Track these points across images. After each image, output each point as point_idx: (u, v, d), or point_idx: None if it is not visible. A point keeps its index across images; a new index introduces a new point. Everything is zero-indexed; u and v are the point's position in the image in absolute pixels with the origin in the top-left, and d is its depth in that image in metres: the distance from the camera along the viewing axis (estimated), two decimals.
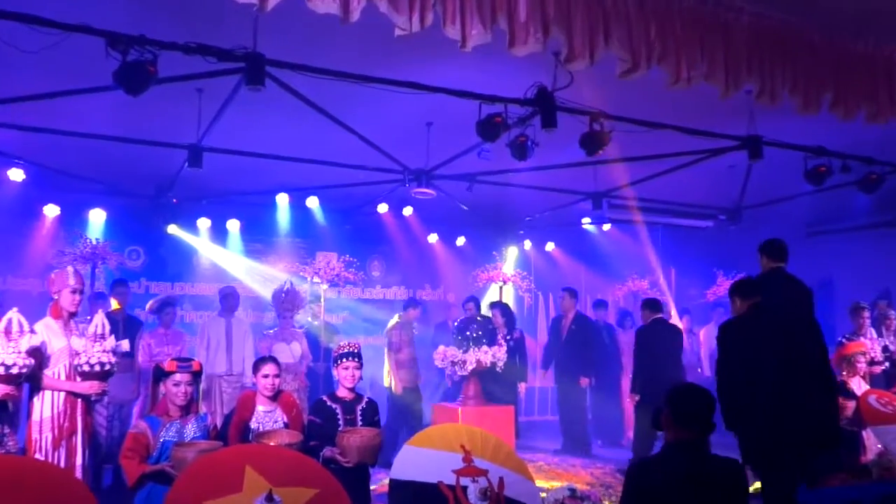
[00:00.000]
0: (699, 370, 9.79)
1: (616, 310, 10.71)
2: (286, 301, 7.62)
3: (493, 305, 8.51)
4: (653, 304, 7.72)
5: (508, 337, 8.04)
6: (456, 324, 7.36)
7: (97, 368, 4.37)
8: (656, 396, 3.44)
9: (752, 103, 5.64)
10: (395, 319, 8.41)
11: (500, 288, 8.83)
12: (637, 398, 7.42)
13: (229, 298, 7.70)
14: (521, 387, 8.39)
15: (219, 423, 4.67)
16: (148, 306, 7.73)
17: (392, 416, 7.99)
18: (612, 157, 6.90)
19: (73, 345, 4.50)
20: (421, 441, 3.95)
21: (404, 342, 8.22)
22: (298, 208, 9.44)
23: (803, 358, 4.44)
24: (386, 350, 8.29)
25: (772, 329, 4.53)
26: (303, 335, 7.81)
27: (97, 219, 8.79)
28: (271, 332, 7.71)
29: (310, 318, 8.56)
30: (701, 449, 3.00)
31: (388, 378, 8.20)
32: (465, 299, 8.64)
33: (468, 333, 6.85)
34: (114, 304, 7.30)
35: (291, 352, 7.38)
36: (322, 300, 8.22)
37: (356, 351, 4.70)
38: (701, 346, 10.08)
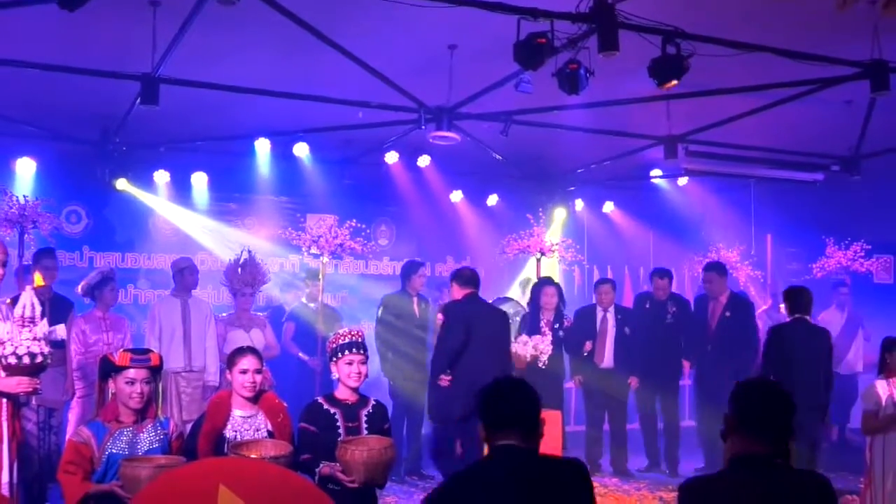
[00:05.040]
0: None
1: (693, 287, 10.63)
2: (242, 276, 7.78)
3: (546, 282, 8.47)
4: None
5: (556, 325, 8.07)
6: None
7: (26, 360, 4.40)
8: None
9: (877, 17, 5.56)
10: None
11: (538, 261, 8.77)
12: None
13: (185, 274, 7.78)
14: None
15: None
16: (81, 286, 7.69)
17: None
18: (691, 89, 6.84)
19: None
20: None
21: None
22: (283, 158, 9.46)
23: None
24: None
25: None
26: (265, 321, 7.98)
27: (25, 170, 8.84)
28: (224, 315, 7.88)
29: (304, 300, 8.68)
30: (777, 465, 3.04)
31: None
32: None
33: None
34: (37, 279, 7.31)
35: (252, 341, 7.46)
36: (321, 277, 8.32)
37: (360, 340, 4.65)
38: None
